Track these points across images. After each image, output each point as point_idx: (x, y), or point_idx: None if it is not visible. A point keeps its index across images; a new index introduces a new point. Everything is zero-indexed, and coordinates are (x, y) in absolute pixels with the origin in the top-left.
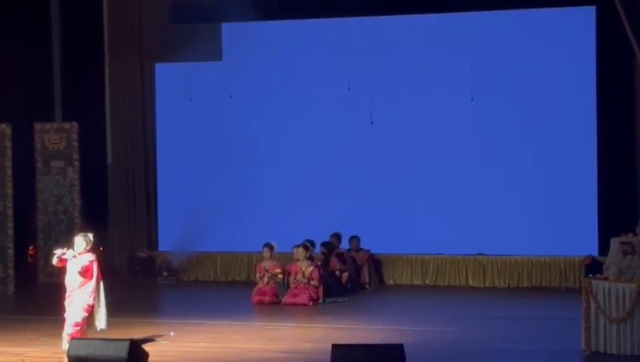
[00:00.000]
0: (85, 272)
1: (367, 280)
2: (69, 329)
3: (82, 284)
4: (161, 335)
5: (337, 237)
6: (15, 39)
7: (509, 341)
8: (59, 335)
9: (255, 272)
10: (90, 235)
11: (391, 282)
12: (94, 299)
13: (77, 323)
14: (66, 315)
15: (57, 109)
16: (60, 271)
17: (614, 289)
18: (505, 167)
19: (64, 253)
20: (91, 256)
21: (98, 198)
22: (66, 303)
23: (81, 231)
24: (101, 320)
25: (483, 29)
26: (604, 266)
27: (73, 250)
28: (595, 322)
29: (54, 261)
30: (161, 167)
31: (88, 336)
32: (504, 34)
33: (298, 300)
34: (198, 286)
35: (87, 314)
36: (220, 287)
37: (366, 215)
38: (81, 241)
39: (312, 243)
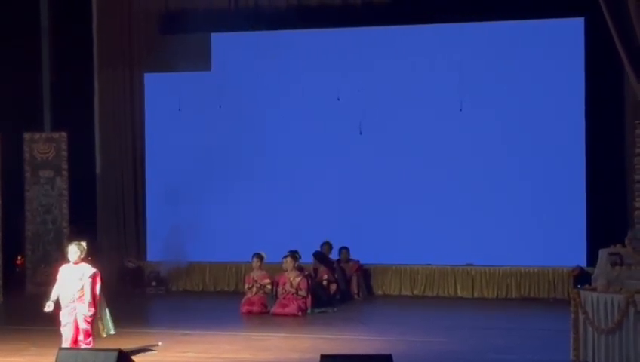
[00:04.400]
0: (92, 281)
1: (356, 291)
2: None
3: (81, 295)
4: (150, 346)
5: (328, 245)
6: (4, 49)
7: (497, 351)
8: (48, 346)
9: (244, 282)
10: (84, 243)
11: (380, 292)
12: (94, 310)
13: (88, 333)
14: (63, 329)
15: (46, 119)
16: (50, 281)
17: (603, 300)
18: (494, 177)
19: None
20: (94, 268)
21: (87, 208)
22: (63, 315)
23: (72, 240)
24: (109, 327)
25: (472, 40)
26: (592, 277)
27: (68, 259)
28: (583, 333)
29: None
30: (150, 176)
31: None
32: (493, 45)
33: (287, 310)
34: (186, 296)
35: (89, 326)
36: (209, 297)
37: (355, 225)
38: (75, 250)
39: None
